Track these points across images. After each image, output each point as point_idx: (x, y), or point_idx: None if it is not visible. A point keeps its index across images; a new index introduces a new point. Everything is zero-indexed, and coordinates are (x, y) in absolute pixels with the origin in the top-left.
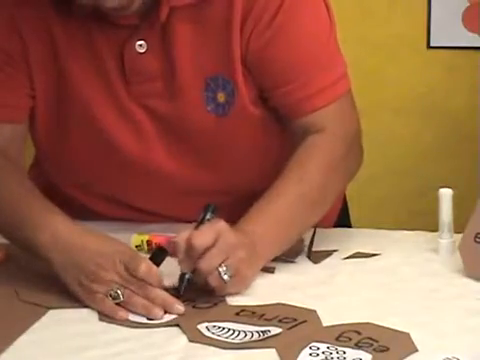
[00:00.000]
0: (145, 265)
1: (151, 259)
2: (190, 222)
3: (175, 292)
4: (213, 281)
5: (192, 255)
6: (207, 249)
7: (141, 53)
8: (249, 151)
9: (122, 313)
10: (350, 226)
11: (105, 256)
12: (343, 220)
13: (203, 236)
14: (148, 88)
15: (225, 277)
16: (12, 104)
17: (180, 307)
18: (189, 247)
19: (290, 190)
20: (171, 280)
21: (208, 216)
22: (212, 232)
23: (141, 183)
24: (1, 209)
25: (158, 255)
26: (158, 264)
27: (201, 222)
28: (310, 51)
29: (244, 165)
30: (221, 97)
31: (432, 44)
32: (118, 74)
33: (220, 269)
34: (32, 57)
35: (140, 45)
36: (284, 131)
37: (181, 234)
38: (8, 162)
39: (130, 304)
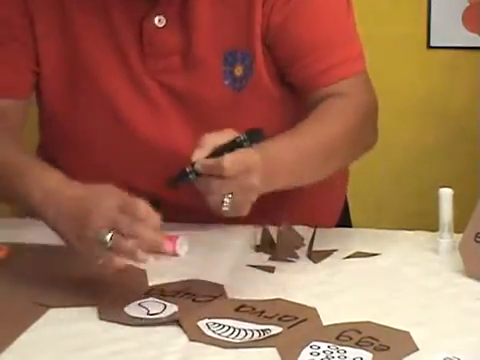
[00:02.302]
0: (143, 205)
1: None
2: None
3: (169, 184)
4: (211, 202)
5: (213, 171)
6: (227, 176)
7: (160, 28)
8: (265, 130)
9: (118, 261)
10: (351, 226)
11: (96, 201)
12: (344, 220)
13: (233, 165)
14: (165, 63)
15: (225, 208)
16: (13, 79)
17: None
18: (216, 164)
19: (310, 135)
20: (167, 279)
21: (244, 138)
22: (243, 165)
23: (155, 162)
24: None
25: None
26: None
27: (240, 143)
28: (329, 27)
29: None
30: (238, 70)
31: (432, 44)
32: (135, 49)
33: (225, 198)
34: (39, 31)
35: (159, 20)
36: (300, 113)
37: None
38: (2, 129)
39: (117, 249)
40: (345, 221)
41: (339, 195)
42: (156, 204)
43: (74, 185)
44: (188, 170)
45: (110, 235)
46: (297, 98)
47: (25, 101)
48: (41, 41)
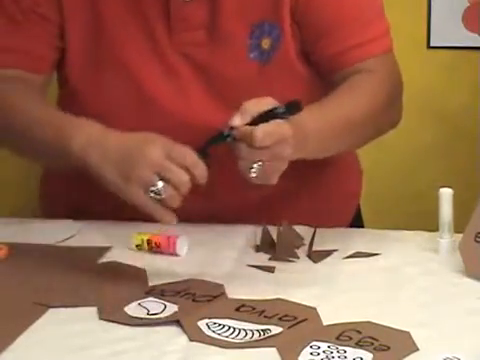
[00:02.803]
0: (191, 153)
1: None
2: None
3: (202, 149)
4: (241, 167)
5: (246, 140)
6: (258, 146)
7: (187, 1)
8: None
9: (169, 218)
10: (363, 226)
11: (143, 148)
12: (357, 221)
13: (265, 136)
14: (191, 36)
15: (253, 175)
16: (36, 53)
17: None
18: (249, 133)
19: (338, 107)
20: (167, 279)
21: (283, 110)
22: (275, 136)
23: (178, 136)
24: (31, 128)
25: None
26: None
27: (275, 114)
28: (358, 3)
29: None
30: (266, 43)
31: (432, 44)
32: (162, 23)
33: (254, 165)
34: (66, 7)
35: None
36: (322, 94)
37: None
38: (30, 90)
39: (165, 199)
40: (358, 222)
41: (354, 193)
42: (204, 154)
43: (118, 133)
44: (225, 133)
45: (162, 184)
46: (320, 79)
47: (45, 77)
48: (68, 17)
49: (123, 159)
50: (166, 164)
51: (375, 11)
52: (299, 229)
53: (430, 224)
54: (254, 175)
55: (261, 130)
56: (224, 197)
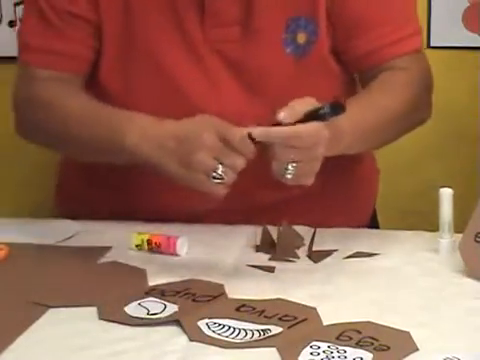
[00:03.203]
0: (238, 133)
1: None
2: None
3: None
4: (275, 167)
5: (282, 139)
6: (297, 146)
7: None
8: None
9: (222, 189)
10: (378, 227)
11: (198, 133)
12: (374, 221)
13: (302, 136)
14: (225, 33)
15: (288, 176)
16: (73, 54)
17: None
18: (289, 132)
19: (369, 106)
20: (167, 279)
21: (328, 111)
22: (313, 137)
23: None
24: (80, 124)
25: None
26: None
27: (319, 114)
28: (388, 4)
29: None
30: (301, 38)
31: (432, 44)
32: (195, 19)
33: (289, 166)
34: (102, 8)
35: None
36: (352, 92)
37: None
38: (72, 86)
39: (224, 181)
40: (375, 223)
41: (373, 192)
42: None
43: (170, 121)
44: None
45: (222, 169)
46: (351, 78)
47: (82, 78)
48: (104, 17)
49: (180, 147)
50: (222, 148)
51: (408, 9)
52: (299, 229)
53: (430, 224)
54: (289, 176)
55: (304, 130)
56: (257, 196)
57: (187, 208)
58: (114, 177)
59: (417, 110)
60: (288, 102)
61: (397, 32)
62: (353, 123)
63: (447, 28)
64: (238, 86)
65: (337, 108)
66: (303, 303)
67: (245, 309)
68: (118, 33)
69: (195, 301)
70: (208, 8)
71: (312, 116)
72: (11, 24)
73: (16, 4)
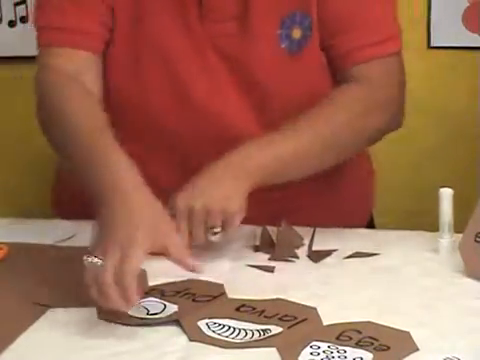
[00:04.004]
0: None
1: None
2: None
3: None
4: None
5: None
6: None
7: None
8: (311, 98)
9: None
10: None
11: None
12: (370, 226)
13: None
14: (221, 28)
15: (213, 238)
16: (90, 31)
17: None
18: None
19: (309, 128)
20: (167, 279)
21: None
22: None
23: (206, 126)
24: (69, 141)
25: None
26: None
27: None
28: (362, 6)
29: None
30: (297, 33)
31: (432, 44)
32: (196, 12)
33: (207, 234)
34: None
35: None
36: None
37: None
38: (81, 90)
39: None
40: (370, 226)
41: (368, 193)
42: None
43: (138, 199)
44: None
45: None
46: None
47: (98, 57)
48: (116, 2)
49: (116, 250)
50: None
51: (384, 14)
52: (299, 229)
53: (430, 224)
54: (216, 238)
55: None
56: (256, 196)
57: None
58: None
59: (371, 120)
60: (283, 96)
61: (369, 36)
62: (269, 157)
63: (447, 28)
64: (235, 80)
65: None
66: (303, 303)
67: (245, 309)
68: (128, 16)
69: (195, 301)
70: (206, 3)
71: None
72: (11, 24)
73: (16, 4)
